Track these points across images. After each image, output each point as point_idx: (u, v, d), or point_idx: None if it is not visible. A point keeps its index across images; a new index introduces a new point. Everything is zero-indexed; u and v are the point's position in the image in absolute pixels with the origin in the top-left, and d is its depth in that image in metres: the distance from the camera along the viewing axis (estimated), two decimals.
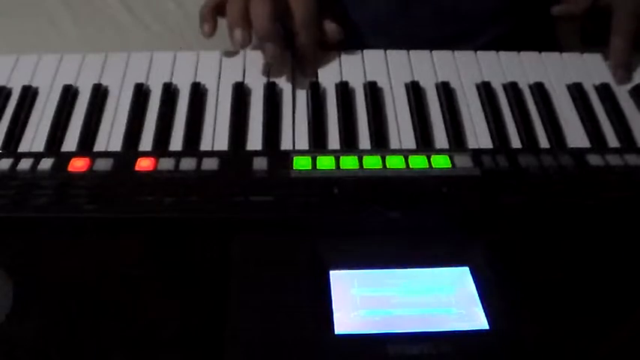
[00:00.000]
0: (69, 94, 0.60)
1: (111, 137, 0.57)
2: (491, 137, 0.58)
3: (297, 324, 0.44)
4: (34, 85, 0.62)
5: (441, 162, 0.54)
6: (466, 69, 0.64)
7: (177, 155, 0.55)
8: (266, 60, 0.62)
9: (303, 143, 0.57)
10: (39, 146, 0.56)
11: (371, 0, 0.74)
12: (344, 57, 0.65)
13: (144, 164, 0.54)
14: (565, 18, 0.69)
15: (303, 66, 0.63)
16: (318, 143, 0.57)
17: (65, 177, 0.53)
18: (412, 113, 0.60)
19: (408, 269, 0.47)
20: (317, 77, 0.63)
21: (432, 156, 0.55)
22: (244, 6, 0.60)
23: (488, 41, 0.75)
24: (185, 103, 0.60)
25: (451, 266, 0.47)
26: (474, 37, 0.75)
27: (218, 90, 0.62)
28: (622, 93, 0.63)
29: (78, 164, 0.54)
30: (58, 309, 0.45)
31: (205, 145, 0.57)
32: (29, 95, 0.60)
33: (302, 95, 0.61)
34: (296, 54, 0.63)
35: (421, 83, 0.62)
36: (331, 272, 0.47)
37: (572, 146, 0.58)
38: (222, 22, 0.63)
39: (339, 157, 0.54)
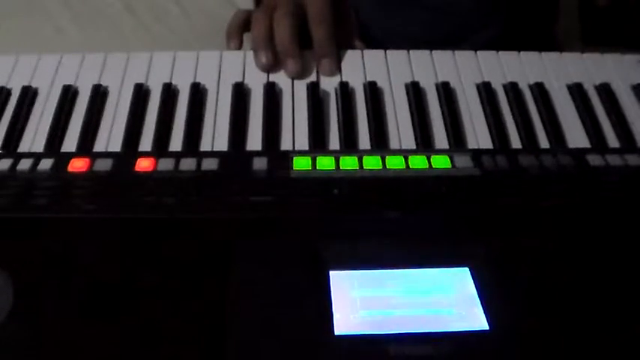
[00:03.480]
0: (69, 94, 0.60)
1: (111, 137, 0.57)
2: (492, 137, 0.58)
3: (297, 325, 0.44)
4: (34, 85, 0.61)
5: (441, 162, 0.54)
6: (466, 69, 0.64)
7: (177, 155, 0.55)
8: (288, 75, 0.63)
9: (303, 143, 0.57)
10: (39, 146, 0.56)
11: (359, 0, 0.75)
12: (344, 57, 0.65)
13: (144, 164, 0.54)
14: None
15: (324, 66, 0.63)
16: (318, 143, 0.57)
17: (65, 177, 0.53)
18: (412, 113, 0.60)
19: (408, 270, 0.47)
20: (317, 77, 0.63)
21: (432, 156, 0.55)
22: (269, 25, 0.62)
23: (481, 43, 0.75)
24: (185, 103, 0.60)
25: (451, 266, 0.47)
26: (464, 38, 0.75)
27: (218, 90, 0.62)
28: (622, 93, 0.63)
29: (78, 164, 0.53)
30: (58, 309, 0.45)
31: (205, 146, 0.57)
32: (29, 95, 0.60)
33: (302, 95, 0.61)
34: (316, 54, 0.63)
35: (421, 83, 0.62)
36: (331, 273, 0.46)
37: (572, 146, 0.58)
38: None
39: (339, 158, 0.54)
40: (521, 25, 0.77)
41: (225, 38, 0.67)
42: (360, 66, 0.64)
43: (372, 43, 0.68)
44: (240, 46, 0.66)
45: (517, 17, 0.76)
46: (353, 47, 0.67)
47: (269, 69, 0.63)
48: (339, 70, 0.63)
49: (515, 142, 0.58)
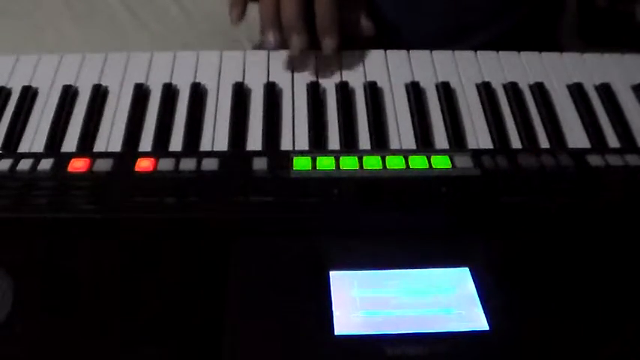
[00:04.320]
0: (69, 94, 0.60)
1: (111, 137, 0.57)
2: (491, 137, 0.58)
3: (297, 325, 0.44)
4: (34, 85, 0.61)
5: (441, 162, 0.54)
6: (466, 69, 0.64)
7: (177, 155, 0.55)
8: (290, 53, 0.62)
9: (303, 143, 0.57)
10: (39, 146, 0.56)
11: None
12: (344, 57, 0.65)
13: (144, 164, 0.54)
14: None
15: (325, 44, 0.61)
16: (318, 143, 0.57)
17: (65, 177, 0.53)
18: (412, 113, 0.60)
19: (408, 270, 0.47)
20: (317, 77, 0.63)
21: (432, 156, 0.55)
22: (276, 3, 0.61)
23: (491, 37, 0.74)
24: (185, 103, 0.60)
25: (451, 267, 0.47)
26: (477, 32, 0.75)
27: (218, 90, 0.62)
28: (622, 93, 0.63)
29: (78, 164, 0.53)
30: (58, 309, 0.45)
31: (205, 146, 0.57)
32: (29, 95, 0.60)
33: (302, 95, 0.61)
34: (318, 32, 0.62)
35: (421, 83, 0.62)
36: (331, 273, 0.46)
37: (572, 146, 0.58)
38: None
39: (339, 158, 0.54)
40: (532, 19, 0.76)
41: (229, 5, 0.64)
42: (360, 66, 0.64)
43: (390, 37, 0.67)
44: (242, 16, 0.64)
45: (530, 10, 0.76)
46: (361, 27, 0.66)
47: (277, 49, 0.62)
48: (339, 52, 0.62)
49: (515, 142, 0.58)
